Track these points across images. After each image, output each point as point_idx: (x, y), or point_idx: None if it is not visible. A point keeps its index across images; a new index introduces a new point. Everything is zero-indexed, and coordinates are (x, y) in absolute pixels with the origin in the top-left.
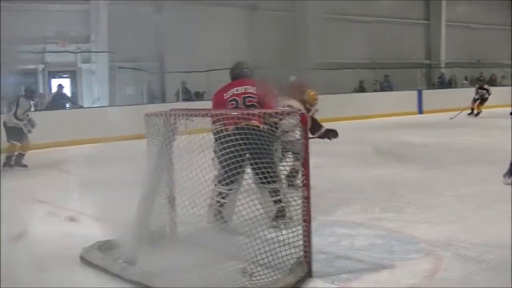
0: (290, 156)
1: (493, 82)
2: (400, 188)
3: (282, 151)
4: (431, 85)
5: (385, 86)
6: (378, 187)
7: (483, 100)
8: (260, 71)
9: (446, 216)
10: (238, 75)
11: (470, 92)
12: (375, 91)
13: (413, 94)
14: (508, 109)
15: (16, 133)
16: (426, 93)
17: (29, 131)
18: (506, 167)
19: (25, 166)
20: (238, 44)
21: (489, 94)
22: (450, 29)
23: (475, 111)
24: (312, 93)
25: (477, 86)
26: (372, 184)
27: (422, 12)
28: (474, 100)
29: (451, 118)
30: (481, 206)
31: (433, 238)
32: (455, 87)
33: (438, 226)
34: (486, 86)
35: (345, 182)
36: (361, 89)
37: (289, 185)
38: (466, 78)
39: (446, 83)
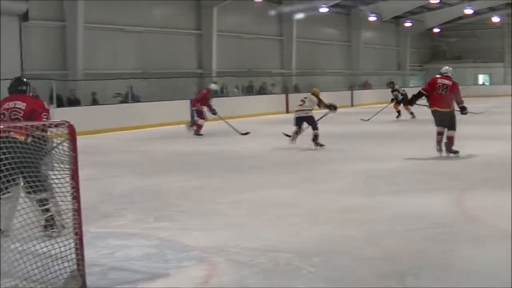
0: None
1: (263, 90)
2: (174, 197)
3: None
4: None
5: (131, 97)
6: (152, 197)
7: (398, 99)
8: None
9: (219, 222)
10: (14, 91)
11: (241, 100)
12: (121, 102)
13: (186, 103)
14: (281, 116)
15: None
16: None
17: None
18: (281, 174)
19: None
20: (8, 54)
21: (401, 94)
22: (221, 39)
23: (396, 110)
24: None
25: (390, 88)
26: (146, 193)
27: (193, 22)
28: (394, 101)
29: (366, 120)
30: (256, 211)
31: (207, 245)
32: (227, 95)
33: (211, 233)
34: (397, 87)
35: (118, 193)
36: (93, 101)
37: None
38: (237, 87)
39: (218, 92)
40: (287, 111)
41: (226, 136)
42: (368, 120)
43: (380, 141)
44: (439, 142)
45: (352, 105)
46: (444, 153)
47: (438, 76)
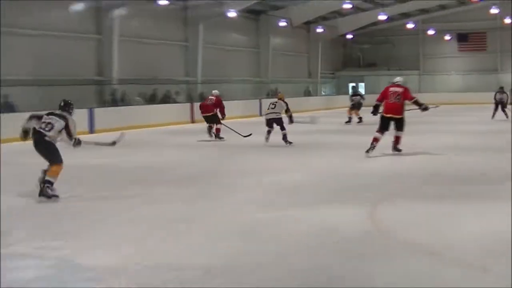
0: None
1: (167, 98)
2: (69, 213)
3: None
4: (103, 103)
5: (7, 105)
6: (45, 214)
7: (359, 105)
8: None
9: (118, 240)
10: None
11: (143, 109)
12: None
13: (84, 112)
14: (186, 126)
15: None
16: (98, 111)
17: None
18: (182, 187)
19: None
20: None
21: (363, 99)
22: (123, 44)
23: (357, 117)
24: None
25: (351, 94)
26: (38, 210)
27: (93, 26)
28: (352, 108)
29: (346, 122)
30: (156, 227)
31: (105, 265)
32: (128, 104)
33: (109, 252)
34: (359, 92)
35: (7, 210)
36: None
37: None
38: (139, 95)
39: (118, 100)
40: (193, 121)
41: (124, 147)
42: (348, 122)
43: (291, 152)
44: (373, 148)
45: (261, 115)
46: (371, 154)
47: (389, 85)
